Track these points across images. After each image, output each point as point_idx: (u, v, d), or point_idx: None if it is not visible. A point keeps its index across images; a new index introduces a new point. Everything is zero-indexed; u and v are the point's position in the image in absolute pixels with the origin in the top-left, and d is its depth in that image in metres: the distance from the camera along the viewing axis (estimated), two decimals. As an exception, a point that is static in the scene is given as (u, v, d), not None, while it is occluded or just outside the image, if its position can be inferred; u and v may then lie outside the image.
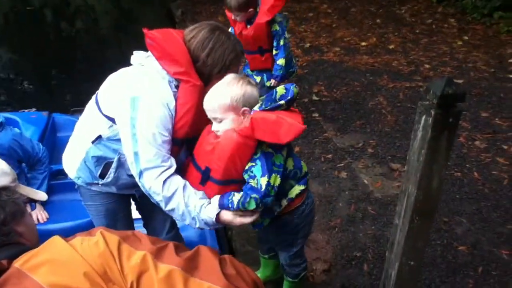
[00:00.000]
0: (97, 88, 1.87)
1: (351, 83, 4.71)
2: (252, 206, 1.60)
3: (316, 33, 6.22)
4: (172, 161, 1.71)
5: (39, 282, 0.91)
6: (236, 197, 1.63)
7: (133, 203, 2.22)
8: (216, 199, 1.68)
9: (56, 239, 1.01)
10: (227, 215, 1.67)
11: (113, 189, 1.96)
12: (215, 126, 1.66)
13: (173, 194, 1.67)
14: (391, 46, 5.63)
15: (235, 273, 1.07)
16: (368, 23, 6.51)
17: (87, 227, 1.75)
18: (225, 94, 1.62)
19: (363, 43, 5.78)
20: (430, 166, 1.49)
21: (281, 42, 3.35)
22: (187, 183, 1.71)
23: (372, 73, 4.91)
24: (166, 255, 1.01)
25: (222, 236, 2.96)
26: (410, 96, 4.39)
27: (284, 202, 1.79)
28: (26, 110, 4.01)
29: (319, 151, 3.63)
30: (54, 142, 3.67)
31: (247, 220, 1.68)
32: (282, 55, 3.37)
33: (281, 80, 3.45)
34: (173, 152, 1.75)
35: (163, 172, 1.67)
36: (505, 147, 3.54)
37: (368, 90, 4.55)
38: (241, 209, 1.63)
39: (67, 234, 1.06)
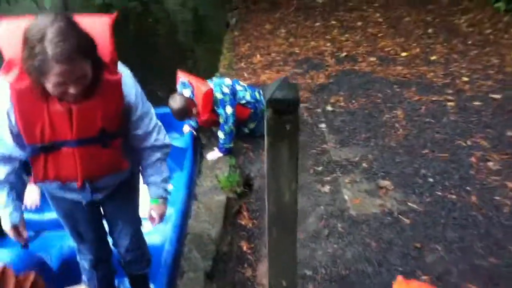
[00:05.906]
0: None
1: (373, 94, 4.46)
2: None
3: (357, 42, 5.98)
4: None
5: None
6: None
7: None
8: None
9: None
10: None
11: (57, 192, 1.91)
12: None
13: None
14: (433, 57, 5.24)
15: None
16: (418, 33, 6.11)
17: None
18: None
19: (404, 53, 5.44)
20: (276, 179, 1.38)
21: (227, 111, 3.43)
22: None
23: (400, 85, 4.61)
24: None
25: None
26: (432, 110, 4.05)
27: None
28: None
29: (311, 163, 3.49)
30: None
31: None
32: (222, 129, 3.46)
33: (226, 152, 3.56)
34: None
35: None
36: (521, 171, 3.13)
37: (389, 102, 4.28)
38: None
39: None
